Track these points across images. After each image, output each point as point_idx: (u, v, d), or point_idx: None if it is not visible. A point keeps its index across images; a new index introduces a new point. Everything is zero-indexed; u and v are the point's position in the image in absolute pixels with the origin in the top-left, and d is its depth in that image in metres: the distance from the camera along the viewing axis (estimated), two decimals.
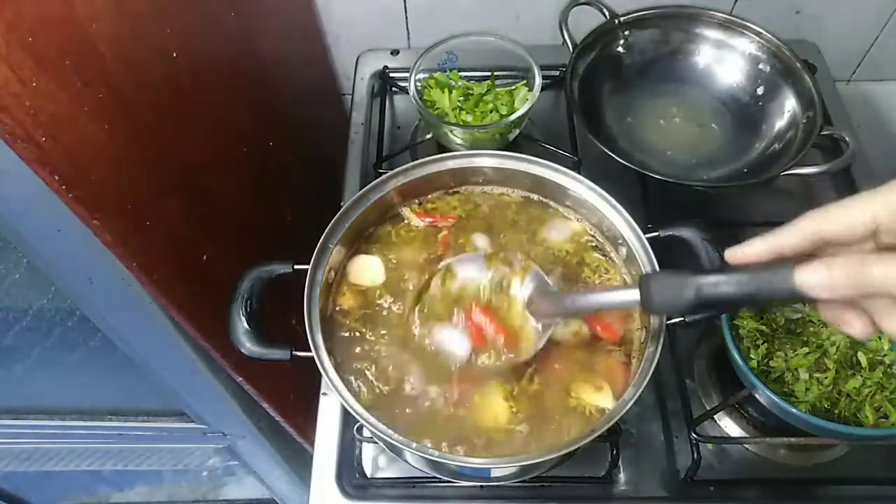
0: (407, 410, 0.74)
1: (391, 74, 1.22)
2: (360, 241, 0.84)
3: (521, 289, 0.75)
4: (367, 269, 0.82)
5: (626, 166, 0.97)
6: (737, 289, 0.54)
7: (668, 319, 0.72)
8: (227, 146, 0.94)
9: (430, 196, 0.88)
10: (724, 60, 1.13)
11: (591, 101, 1.10)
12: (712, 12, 1.11)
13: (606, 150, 0.98)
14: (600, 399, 0.74)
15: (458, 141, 1.05)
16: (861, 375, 0.81)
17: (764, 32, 1.09)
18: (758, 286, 0.52)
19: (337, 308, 0.81)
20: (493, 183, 0.88)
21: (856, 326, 0.50)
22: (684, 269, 0.58)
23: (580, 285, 0.82)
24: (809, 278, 0.48)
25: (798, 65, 1.06)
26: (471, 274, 0.77)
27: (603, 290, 0.77)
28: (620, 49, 1.14)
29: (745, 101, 1.12)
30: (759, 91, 1.10)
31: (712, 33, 1.13)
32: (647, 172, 0.97)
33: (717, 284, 0.55)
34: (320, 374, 0.71)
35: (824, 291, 0.48)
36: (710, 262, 0.74)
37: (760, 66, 1.10)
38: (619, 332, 0.78)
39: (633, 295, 0.62)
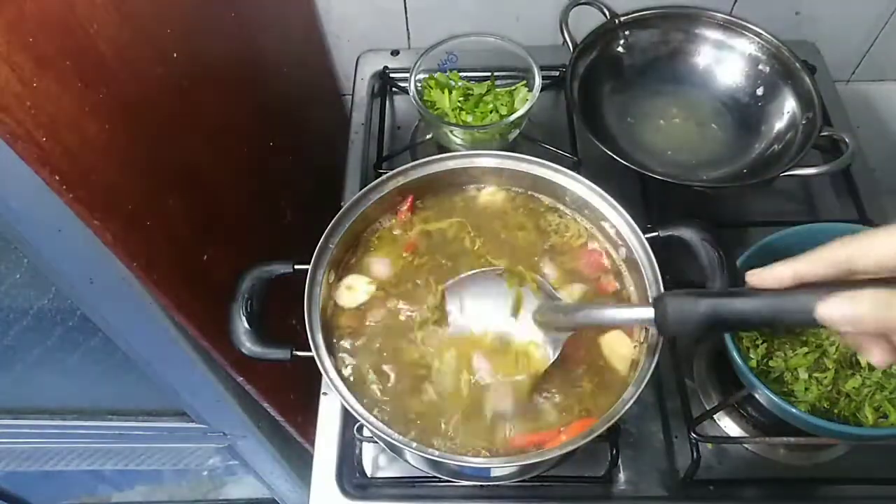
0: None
1: (391, 75, 1.22)
2: (352, 250, 0.84)
3: (526, 306, 0.76)
4: (353, 291, 0.82)
5: (626, 166, 0.97)
6: (755, 313, 0.53)
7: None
8: (227, 146, 0.94)
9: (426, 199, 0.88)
10: (724, 61, 1.13)
11: (591, 101, 1.10)
12: (712, 12, 1.11)
13: (606, 150, 0.98)
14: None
15: (458, 141, 1.06)
16: (860, 375, 0.81)
17: (764, 33, 1.09)
18: (777, 313, 0.52)
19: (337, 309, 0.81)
20: (493, 183, 0.88)
21: (875, 355, 0.50)
22: (700, 289, 0.57)
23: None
24: (833, 312, 0.48)
25: (797, 65, 1.06)
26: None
27: (617, 306, 0.75)
28: (620, 49, 1.14)
29: (744, 101, 1.12)
30: (759, 91, 1.10)
31: (712, 33, 1.12)
32: (647, 172, 0.97)
33: (734, 308, 0.54)
34: (320, 374, 0.72)
35: (847, 326, 0.48)
36: (710, 262, 0.74)
37: (760, 66, 1.10)
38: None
39: (648, 313, 0.61)
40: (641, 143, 1.10)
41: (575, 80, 1.07)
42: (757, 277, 0.53)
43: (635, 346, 0.77)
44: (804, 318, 0.50)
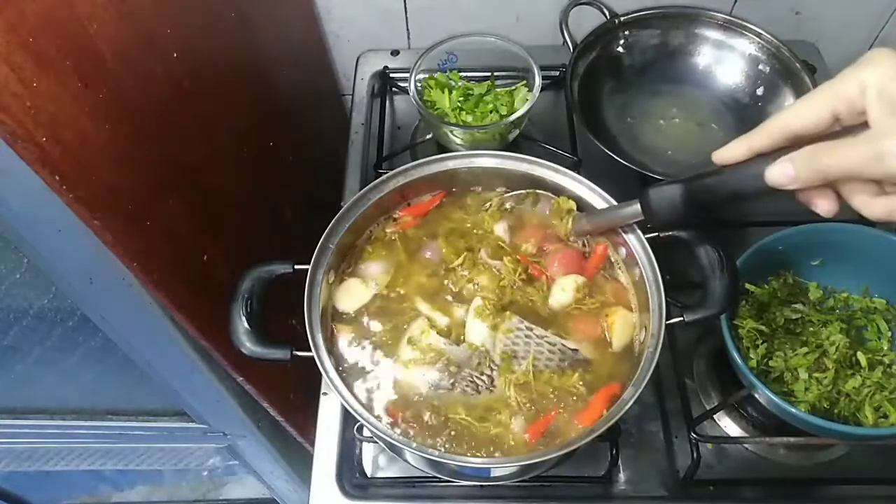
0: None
1: (391, 75, 1.22)
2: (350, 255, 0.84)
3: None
4: (351, 293, 0.81)
5: (626, 166, 0.97)
6: (722, 185, 0.61)
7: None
8: (228, 146, 0.94)
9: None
10: (724, 61, 1.13)
11: (591, 101, 1.10)
12: (712, 13, 1.11)
13: (606, 150, 0.98)
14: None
15: (458, 141, 1.06)
16: (860, 375, 0.81)
17: (764, 33, 1.09)
18: (738, 182, 0.60)
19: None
20: (492, 183, 0.88)
21: (821, 206, 0.57)
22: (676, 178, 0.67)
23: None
24: (776, 173, 0.55)
25: (798, 65, 1.06)
26: None
27: (609, 209, 0.80)
28: (620, 49, 1.14)
29: (744, 101, 1.12)
30: (759, 92, 1.10)
31: (712, 33, 1.12)
32: (647, 172, 0.97)
33: (704, 184, 0.63)
34: (320, 374, 0.72)
35: (791, 183, 0.55)
36: (710, 262, 0.74)
37: (760, 66, 1.10)
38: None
39: (635, 207, 0.71)
40: (641, 143, 1.10)
41: (575, 80, 1.07)
42: (719, 155, 0.61)
43: (642, 334, 0.77)
44: (759, 184, 0.57)
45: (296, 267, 0.77)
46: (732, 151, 0.59)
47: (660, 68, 1.15)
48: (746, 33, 1.10)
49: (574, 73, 1.08)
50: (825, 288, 0.90)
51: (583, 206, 0.83)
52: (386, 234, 0.86)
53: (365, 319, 0.80)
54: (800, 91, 1.06)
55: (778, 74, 1.08)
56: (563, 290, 0.80)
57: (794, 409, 0.74)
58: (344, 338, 0.79)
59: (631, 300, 0.81)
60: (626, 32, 1.13)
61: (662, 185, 0.68)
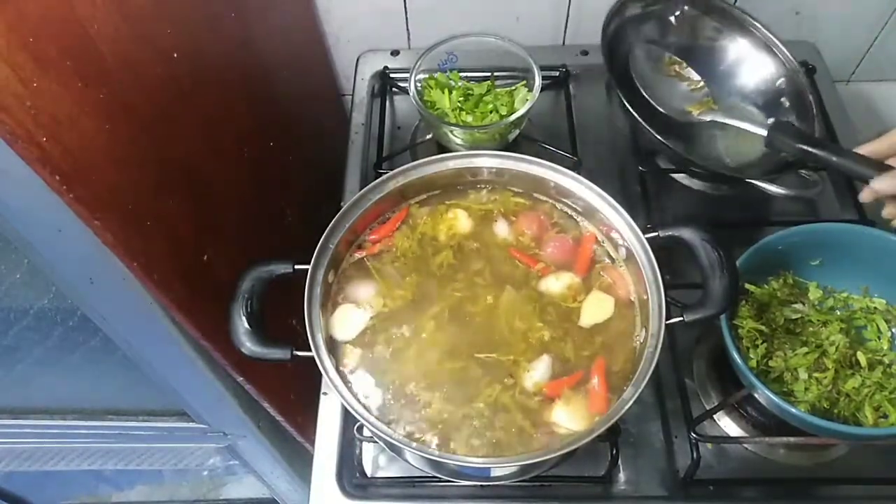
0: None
1: (391, 75, 1.22)
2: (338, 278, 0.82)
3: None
4: (346, 321, 0.79)
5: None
6: (836, 163, 0.85)
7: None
8: (228, 146, 0.94)
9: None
10: (744, 61, 1.09)
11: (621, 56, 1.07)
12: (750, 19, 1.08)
13: (623, 100, 0.97)
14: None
15: (458, 141, 1.06)
16: (860, 375, 0.81)
17: (780, 45, 1.06)
18: (849, 169, 0.83)
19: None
20: (493, 183, 0.88)
21: None
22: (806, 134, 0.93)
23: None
24: (881, 185, 0.75)
25: (806, 85, 1.03)
26: None
27: (741, 119, 1.00)
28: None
29: (758, 105, 1.09)
30: (761, 98, 1.09)
31: (731, 27, 1.09)
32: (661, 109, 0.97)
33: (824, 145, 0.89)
34: (320, 374, 0.72)
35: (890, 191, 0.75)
36: (710, 262, 0.74)
37: (779, 82, 1.07)
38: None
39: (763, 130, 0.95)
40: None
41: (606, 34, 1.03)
42: (864, 148, 0.82)
43: (642, 334, 0.77)
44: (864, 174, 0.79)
45: (296, 267, 0.77)
46: (874, 147, 0.80)
47: (691, 48, 1.11)
48: (754, 31, 1.07)
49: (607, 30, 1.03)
50: (825, 288, 0.90)
51: (583, 207, 0.83)
52: (359, 260, 0.83)
53: (368, 339, 0.79)
54: (800, 109, 1.03)
55: (788, 94, 1.06)
56: (557, 279, 0.81)
57: (794, 409, 0.74)
58: (350, 359, 0.78)
59: (627, 297, 0.81)
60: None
61: (792, 128, 0.93)
